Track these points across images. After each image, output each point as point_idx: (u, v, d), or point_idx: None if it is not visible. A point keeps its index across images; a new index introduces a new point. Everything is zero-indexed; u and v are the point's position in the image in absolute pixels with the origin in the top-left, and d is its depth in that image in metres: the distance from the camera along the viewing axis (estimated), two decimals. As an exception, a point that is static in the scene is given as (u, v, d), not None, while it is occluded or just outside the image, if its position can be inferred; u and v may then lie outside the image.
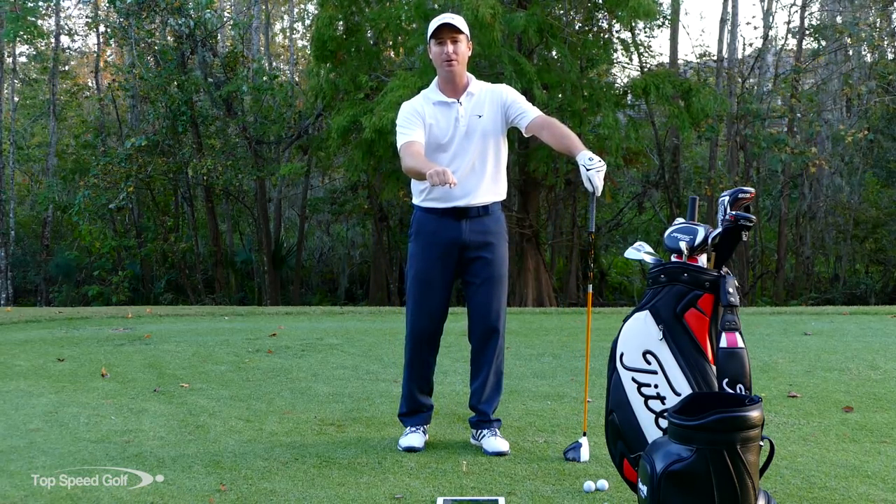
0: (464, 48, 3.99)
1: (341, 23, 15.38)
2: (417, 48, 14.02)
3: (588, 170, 3.65)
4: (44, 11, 23.16)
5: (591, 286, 4.26)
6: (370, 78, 14.43)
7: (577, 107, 13.78)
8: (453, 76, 4.01)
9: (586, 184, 3.67)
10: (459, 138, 4.00)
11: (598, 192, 3.68)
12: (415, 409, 4.17)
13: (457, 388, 5.31)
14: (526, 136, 4.10)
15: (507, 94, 4.08)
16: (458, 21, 3.99)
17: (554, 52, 15.02)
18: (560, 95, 14.18)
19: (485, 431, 4.07)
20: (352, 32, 15.35)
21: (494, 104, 4.04)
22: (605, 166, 3.71)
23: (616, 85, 16.15)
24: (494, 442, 4.00)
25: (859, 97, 19.33)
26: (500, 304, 4.09)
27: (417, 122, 3.99)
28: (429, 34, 4.03)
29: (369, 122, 12.57)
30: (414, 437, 4.05)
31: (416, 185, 4.12)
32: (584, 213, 20.82)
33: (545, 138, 3.95)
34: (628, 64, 17.33)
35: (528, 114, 4.00)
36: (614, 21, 15.53)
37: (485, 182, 4.03)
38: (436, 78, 4.11)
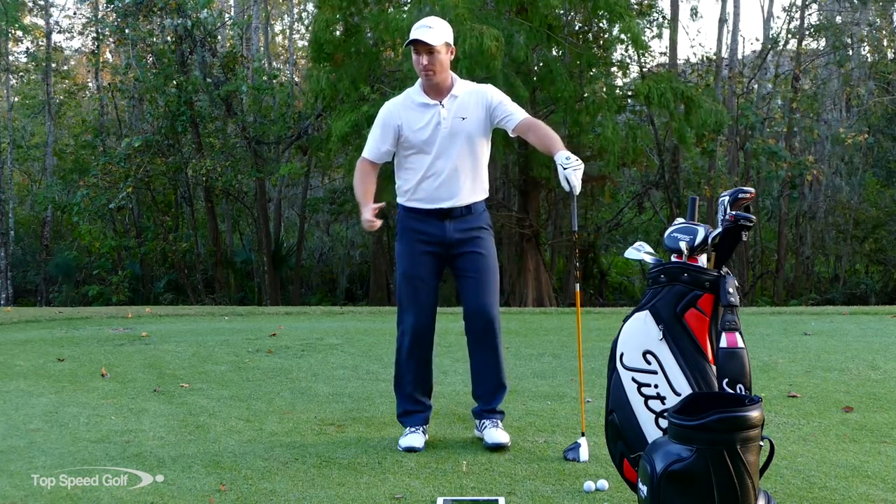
0: (441, 57, 3.97)
1: (340, 24, 15.39)
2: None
3: (565, 168, 3.69)
4: (31, 6, 23.26)
5: (578, 285, 4.34)
6: (372, 89, 14.39)
7: (581, 118, 13.86)
8: (433, 84, 4.03)
9: (563, 183, 3.71)
10: (441, 140, 4.02)
11: (577, 191, 3.71)
12: (414, 410, 4.16)
13: (457, 388, 5.31)
14: (512, 136, 4.13)
15: (493, 95, 4.08)
16: (433, 35, 3.93)
17: (553, 51, 15.05)
18: (558, 93, 14.19)
19: (486, 422, 4.11)
20: (351, 33, 15.35)
21: (479, 106, 4.05)
22: (583, 165, 3.74)
23: (616, 84, 16.15)
24: (495, 434, 4.03)
25: (859, 97, 19.34)
26: (492, 296, 4.11)
27: (387, 133, 4.08)
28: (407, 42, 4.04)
29: None
30: (414, 438, 4.05)
31: (400, 186, 4.17)
32: (584, 213, 20.86)
33: (530, 140, 4.01)
34: (628, 61, 17.32)
35: (514, 116, 4.02)
36: (615, 22, 15.56)
37: (468, 183, 4.07)
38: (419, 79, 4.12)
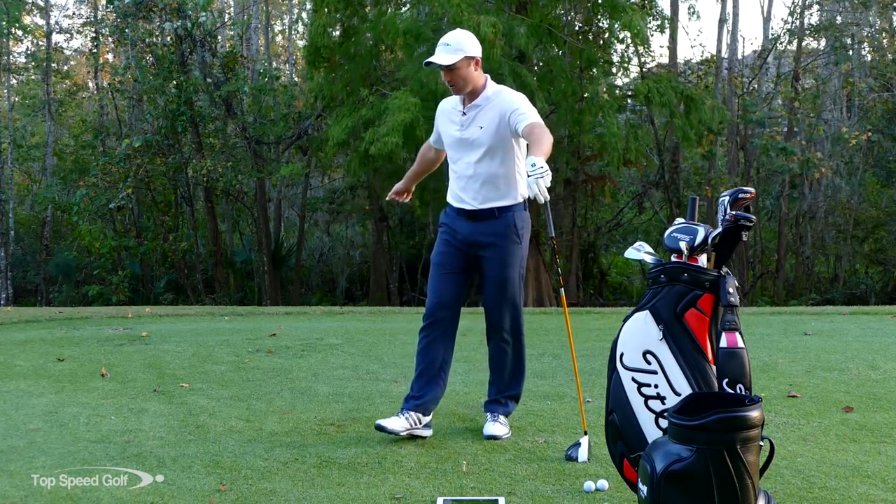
0: (463, 72, 4.09)
1: (339, 25, 15.40)
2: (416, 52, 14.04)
3: (529, 175, 3.67)
4: (30, 5, 23.26)
5: (562, 290, 4.41)
6: (371, 91, 14.39)
7: (583, 117, 13.87)
8: (460, 94, 4.19)
9: (527, 189, 3.69)
10: (461, 146, 4.22)
11: (541, 200, 3.66)
12: (410, 395, 4.20)
13: (457, 388, 5.30)
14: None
15: (510, 102, 4.12)
16: (448, 55, 4.05)
17: (553, 51, 15.06)
18: (559, 94, 14.19)
19: (487, 414, 4.28)
20: (349, 35, 15.35)
21: (496, 115, 4.11)
22: (550, 174, 3.69)
23: (616, 84, 16.16)
24: (489, 426, 4.20)
25: (860, 94, 19.35)
26: (503, 303, 4.21)
27: (436, 126, 4.45)
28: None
29: (372, 137, 12.47)
30: (392, 421, 4.07)
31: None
32: (584, 213, 20.84)
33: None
34: (629, 61, 17.32)
35: (521, 123, 4.05)
36: (615, 23, 15.57)
37: (488, 188, 4.16)
38: None
